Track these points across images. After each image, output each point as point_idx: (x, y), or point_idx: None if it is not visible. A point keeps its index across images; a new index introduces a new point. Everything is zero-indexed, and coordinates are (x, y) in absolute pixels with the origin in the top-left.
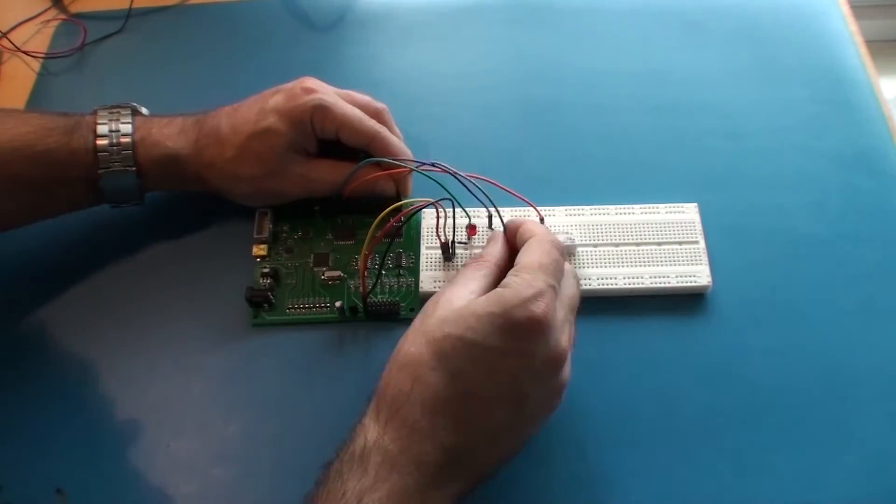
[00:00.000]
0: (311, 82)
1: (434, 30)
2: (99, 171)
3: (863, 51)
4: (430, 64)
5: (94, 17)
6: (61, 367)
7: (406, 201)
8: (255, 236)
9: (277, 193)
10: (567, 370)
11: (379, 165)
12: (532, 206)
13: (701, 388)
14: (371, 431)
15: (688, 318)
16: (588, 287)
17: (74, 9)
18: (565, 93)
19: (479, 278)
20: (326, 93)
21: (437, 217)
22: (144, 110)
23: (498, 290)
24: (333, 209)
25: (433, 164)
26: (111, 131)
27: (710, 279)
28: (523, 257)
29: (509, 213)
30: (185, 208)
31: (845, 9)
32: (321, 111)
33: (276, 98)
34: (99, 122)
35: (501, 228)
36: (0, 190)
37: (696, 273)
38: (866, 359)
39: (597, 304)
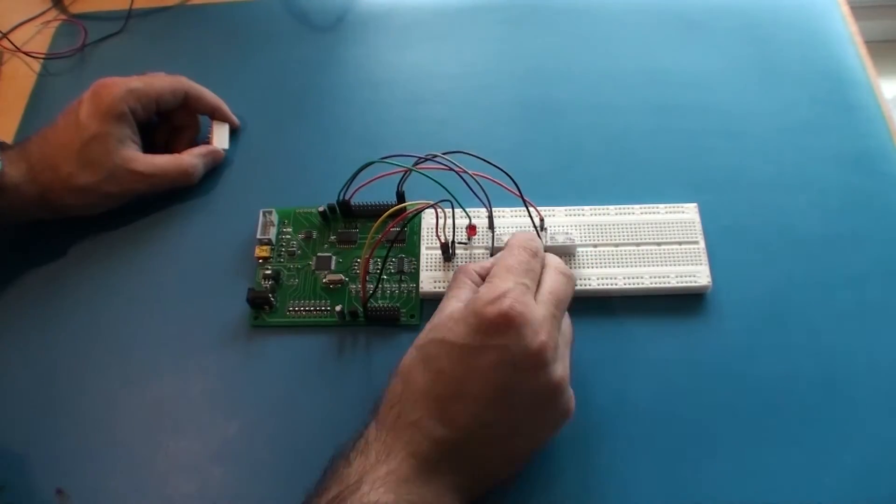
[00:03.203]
0: (103, 80)
1: (434, 30)
2: None
3: (863, 51)
4: (430, 64)
5: (94, 17)
6: (61, 367)
7: (406, 203)
8: (257, 238)
9: (120, 194)
10: (558, 369)
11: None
12: (532, 206)
13: (701, 388)
14: (371, 431)
15: (688, 318)
16: (588, 287)
17: (75, 9)
18: (565, 93)
19: (464, 287)
20: (127, 80)
21: (437, 218)
22: None
23: (473, 296)
24: (336, 213)
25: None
26: None
27: (709, 279)
28: (494, 267)
29: (510, 213)
30: (188, 209)
31: (845, 9)
32: (133, 94)
33: (84, 108)
34: None
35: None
36: None
37: (696, 273)
38: (866, 358)
39: (597, 304)
